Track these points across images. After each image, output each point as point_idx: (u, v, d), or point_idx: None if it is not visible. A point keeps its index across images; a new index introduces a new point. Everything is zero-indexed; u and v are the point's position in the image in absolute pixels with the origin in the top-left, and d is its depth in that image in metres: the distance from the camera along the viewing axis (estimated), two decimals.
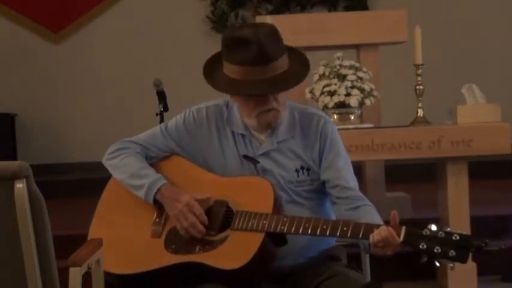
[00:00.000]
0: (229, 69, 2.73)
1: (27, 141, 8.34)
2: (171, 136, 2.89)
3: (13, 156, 7.85)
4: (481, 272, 4.64)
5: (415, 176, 6.88)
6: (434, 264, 2.49)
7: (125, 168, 2.85)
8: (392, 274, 4.74)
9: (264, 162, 2.80)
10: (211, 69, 2.81)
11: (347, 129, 4.57)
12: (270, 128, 2.80)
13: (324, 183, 2.82)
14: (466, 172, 4.59)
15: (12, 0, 8.39)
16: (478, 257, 4.54)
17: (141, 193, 2.79)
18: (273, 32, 2.73)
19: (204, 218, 2.72)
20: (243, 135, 2.83)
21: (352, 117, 4.69)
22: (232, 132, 2.84)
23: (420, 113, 4.75)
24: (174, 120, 2.93)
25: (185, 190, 2.79)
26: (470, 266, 4.57)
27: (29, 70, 8.36)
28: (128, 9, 8.40)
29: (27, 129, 8.38)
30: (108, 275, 2.76)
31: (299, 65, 2.79)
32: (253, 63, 2.67)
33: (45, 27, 8.43)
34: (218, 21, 8.33)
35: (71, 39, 8.46)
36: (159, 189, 2.77)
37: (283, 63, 2.73)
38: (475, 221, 4.57)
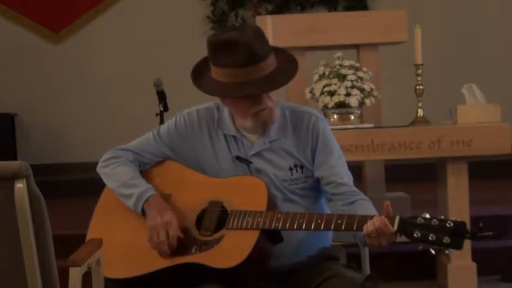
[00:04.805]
0: (219, 73, 2.72)
1: (27, 141, 8.34)
2: (164, 141, 2.89)
3: (13, 156, 7.86)
4: (481, 272, 4.64)
5: (415, 176, 6.89)
6: (430, 252, 2.49)
7: (116, 177, 2.85)
8: (392, 274, 4.74)
9: (257, 163, 2.80)
10: (199, 76, 2.80)
11: (347, 129, 4.57)
12: (265, 126, 2.79)
13: (318, 180, 2.82)
14: (466, 172, 4.59)
15: (12, 0, 8.39)
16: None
17: (130, 203, 2.80)
18: (258, 33, 2.73)
19: (174, 242, 2.69)
20: (234, 137, 2.83)
21: (352, 117, 4.69)
22: (224, 135, 2.84)
23: (420, 113, 4.75)
24: (165, 125, 2.93)
25: (181, 194, 2.80)
26: (471, 265, 4.58)
27: (29, 70, 8.36)
28: (128, 9, 8.40)
29: (27, 129, 8.38)
30: (105, 281, 2.75)
31: (287, 62, 2.79)
32: (244, 65, 2.66)
33: (45, 27, 8.43)
34: (218, 21, 8.33)
35: (71, 39, 8.46)
36: (147, 200, 2.78)
37: (271, 61, 2.72)
38: (474, 221, 4.57)
